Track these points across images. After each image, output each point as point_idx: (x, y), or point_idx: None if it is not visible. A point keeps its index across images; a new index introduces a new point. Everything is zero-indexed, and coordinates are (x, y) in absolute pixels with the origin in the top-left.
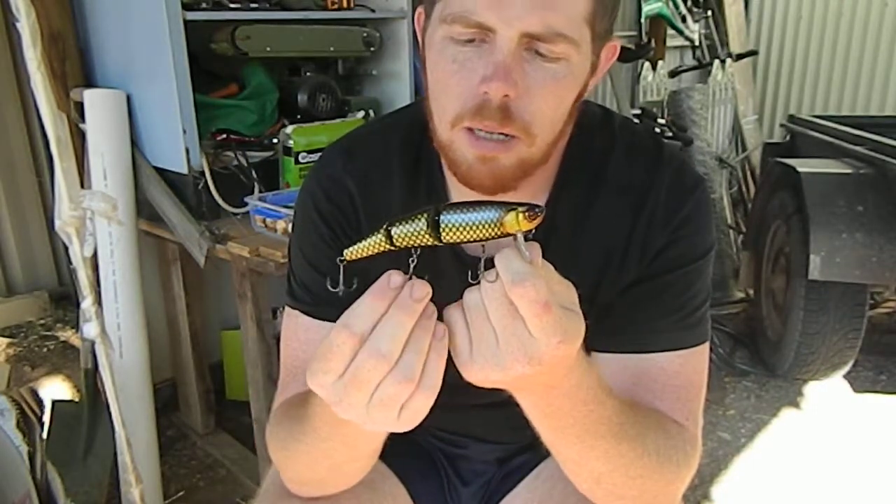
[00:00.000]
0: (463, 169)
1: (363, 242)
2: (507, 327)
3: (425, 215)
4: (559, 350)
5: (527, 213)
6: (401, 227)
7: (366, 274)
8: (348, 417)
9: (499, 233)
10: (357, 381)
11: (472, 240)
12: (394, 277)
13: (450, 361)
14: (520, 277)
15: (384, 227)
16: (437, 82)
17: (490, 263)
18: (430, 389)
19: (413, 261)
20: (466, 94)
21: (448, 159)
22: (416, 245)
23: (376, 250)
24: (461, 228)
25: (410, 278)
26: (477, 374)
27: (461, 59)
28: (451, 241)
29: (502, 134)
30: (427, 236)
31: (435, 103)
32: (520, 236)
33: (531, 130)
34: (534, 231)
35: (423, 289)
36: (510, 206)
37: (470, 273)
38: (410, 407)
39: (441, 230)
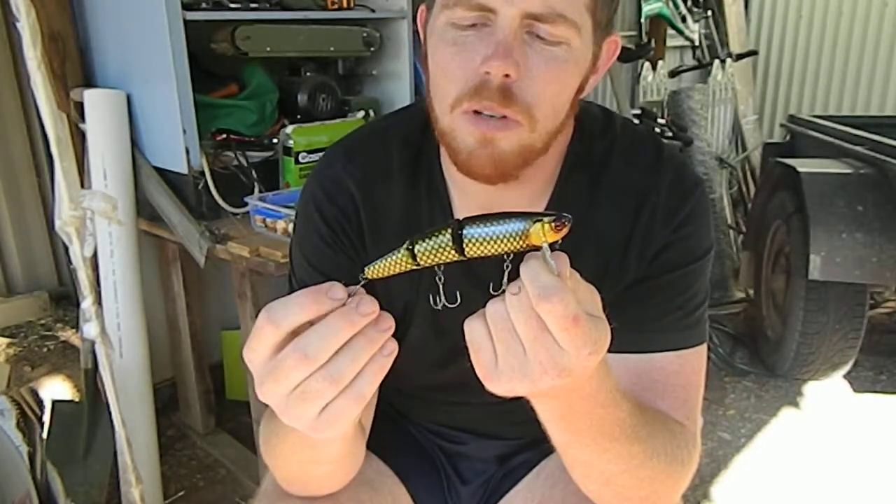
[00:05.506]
0: (463, 156)
1: (385, 260)
2: (536, 339)
3: (448, 230)
4: (589, 360)
5: (553, 224)
6: (424, 243)
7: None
8: (268, 402)
9: (524, 245)
10: (276, 373)
11: (496, 253)
12: (335, 290)
13: (452, 361)
14: (547, 292)
15: (406, 244)
16: (438, 66)
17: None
18: (358, 397)
19: (440, 279)
20: (467, 76)
21: (449, 148)
22: (439, 262)
23: (399, 269)
24: (485, 242)
25: (436, 299)
26: (504, 385)
27: (462, 42)
28: (475, 255)
29: (503, 116)
30: (451, 252)
31: (435, 89)
32: (545, 247)
33: (533, 114)
34: (560, 241)
35: (370, 305)
36: (536, 217)
37: (492, 285)
38: (332, 409)
39: (464, 244)
